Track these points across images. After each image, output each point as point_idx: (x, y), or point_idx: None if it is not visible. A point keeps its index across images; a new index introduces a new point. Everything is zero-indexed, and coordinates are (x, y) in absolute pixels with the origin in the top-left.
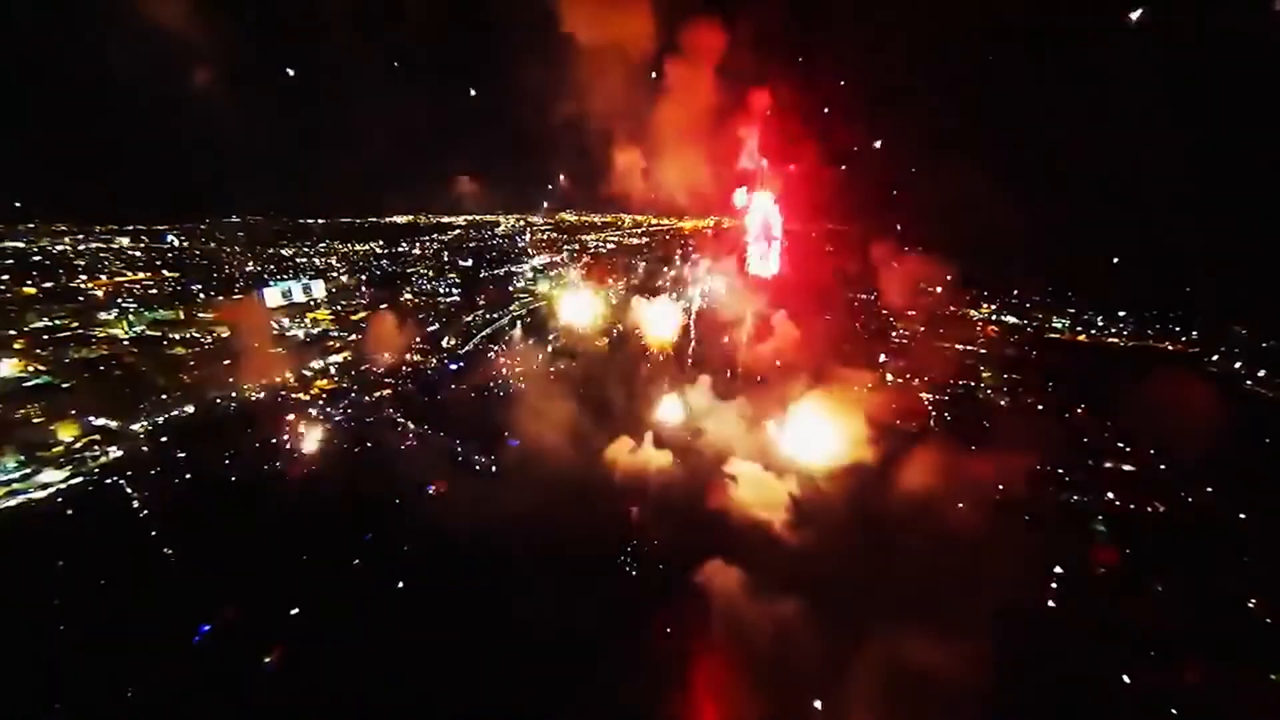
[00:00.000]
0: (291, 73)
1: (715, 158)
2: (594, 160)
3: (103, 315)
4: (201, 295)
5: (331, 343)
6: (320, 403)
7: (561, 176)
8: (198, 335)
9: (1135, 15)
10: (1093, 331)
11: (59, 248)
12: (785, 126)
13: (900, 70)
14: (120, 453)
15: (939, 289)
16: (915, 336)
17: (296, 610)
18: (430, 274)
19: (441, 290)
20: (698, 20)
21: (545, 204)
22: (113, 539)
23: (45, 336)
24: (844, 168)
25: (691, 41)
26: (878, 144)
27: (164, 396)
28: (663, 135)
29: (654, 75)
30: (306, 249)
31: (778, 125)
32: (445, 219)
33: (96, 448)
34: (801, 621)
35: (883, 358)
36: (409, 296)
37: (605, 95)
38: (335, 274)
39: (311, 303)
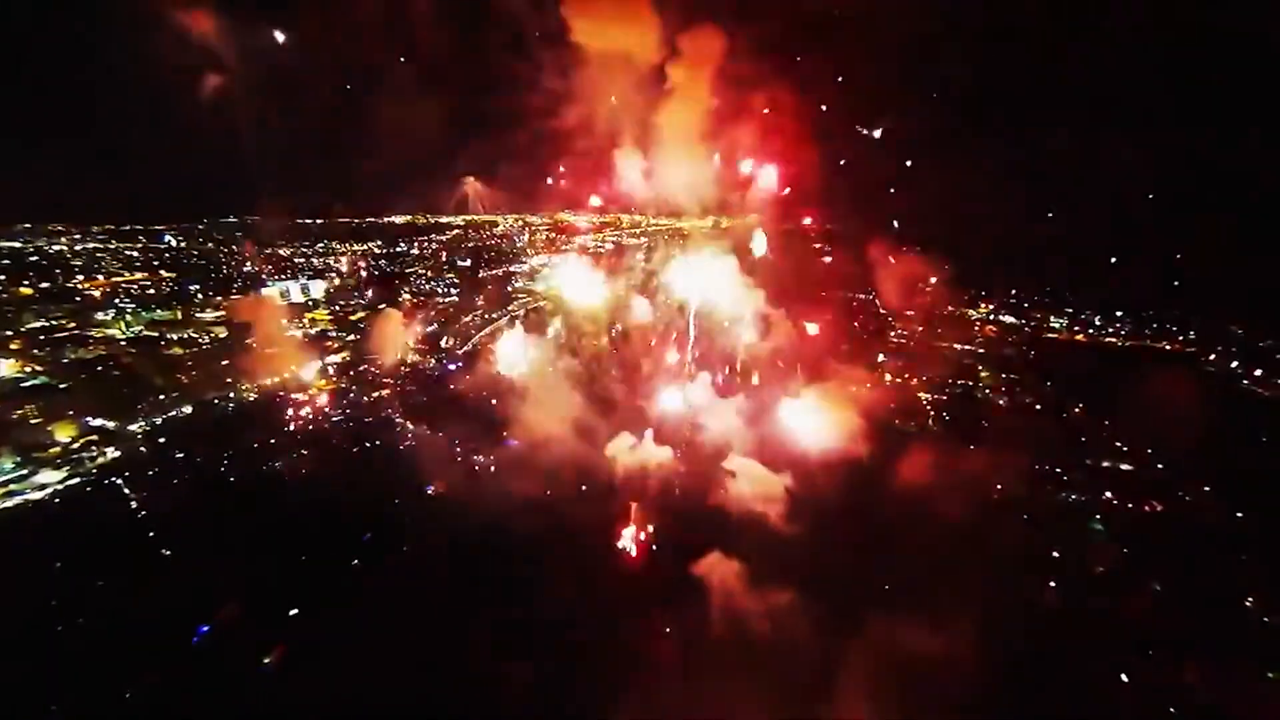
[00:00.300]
0: (293, 61)
1: (713, 158)
2: (593, 161)
3: (100, 315)
4: (199, 295)
5: (330, 343)
6: (319, 403)
7: (561, 177)
8: (195, 335)
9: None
10: (1090, 331)
11: (55, 248)
12: (784, 125)
13: (899, 69)
14: (118, 453)
15: (937, 288)
16: (913, 336)
17: (296, 610)
18: (429, 274)
19: (440, 290)
20: (697, 23)
21: (545, 204)
22: (111, 539)
23: (42, 337)
24: (842, 163)
25: (691, 44)
26: (878, 133)
27: (162, 397)
28: (662, 136)
29: (653, 76)
30: (305, 249)
31: (776, 124)
32: (444, 219)
33: (94, 448)
34: (801, 617)
35: (881, 357)
36: (407, 297)
37: (604, 96)
38: (334, 274)
39: (309, 303)
